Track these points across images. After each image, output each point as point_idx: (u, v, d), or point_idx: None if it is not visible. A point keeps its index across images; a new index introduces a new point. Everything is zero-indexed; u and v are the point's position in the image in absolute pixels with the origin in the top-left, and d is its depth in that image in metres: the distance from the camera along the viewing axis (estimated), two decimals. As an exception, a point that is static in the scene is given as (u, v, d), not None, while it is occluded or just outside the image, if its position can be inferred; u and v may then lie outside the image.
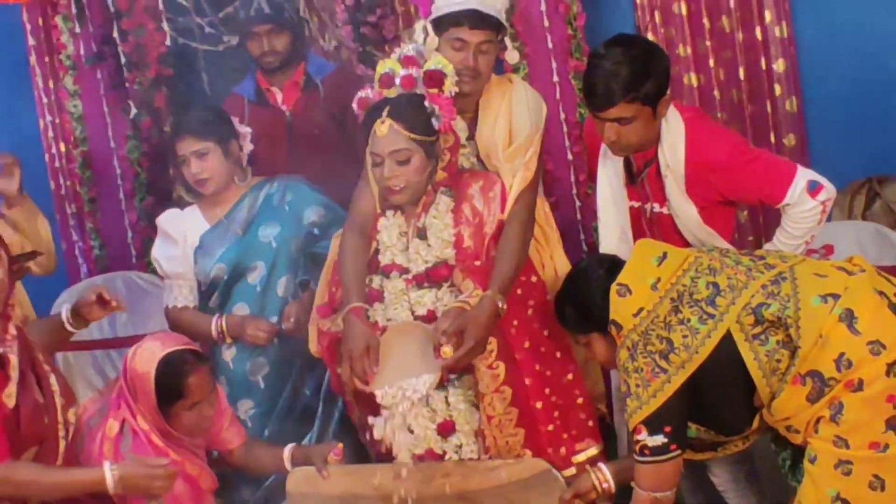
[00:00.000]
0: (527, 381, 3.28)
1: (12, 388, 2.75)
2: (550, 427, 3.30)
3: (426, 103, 3.16)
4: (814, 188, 3.18)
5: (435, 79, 3.17)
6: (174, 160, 3.70)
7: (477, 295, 3.16)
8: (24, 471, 2.75)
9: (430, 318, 3.22)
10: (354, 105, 3.37)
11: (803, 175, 3.20)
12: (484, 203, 3.30)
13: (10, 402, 2.74)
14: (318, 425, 3.67)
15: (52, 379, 2.98)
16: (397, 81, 3.21)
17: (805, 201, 3.18)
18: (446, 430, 3.23)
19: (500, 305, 3.12)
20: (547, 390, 3.32)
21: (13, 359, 2.78)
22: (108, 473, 2.71)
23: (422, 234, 3.27)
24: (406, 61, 3.21)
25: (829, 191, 3.22)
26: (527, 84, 3.55)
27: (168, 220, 3.80)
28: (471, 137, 3.41)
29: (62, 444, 2.94)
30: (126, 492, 2.83)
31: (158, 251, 3.81)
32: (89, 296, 3.19)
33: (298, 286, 3.72)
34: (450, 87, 3.19)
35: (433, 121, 3.15)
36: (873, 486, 2.67)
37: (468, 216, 3.29)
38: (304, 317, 3.60)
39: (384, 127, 3.13)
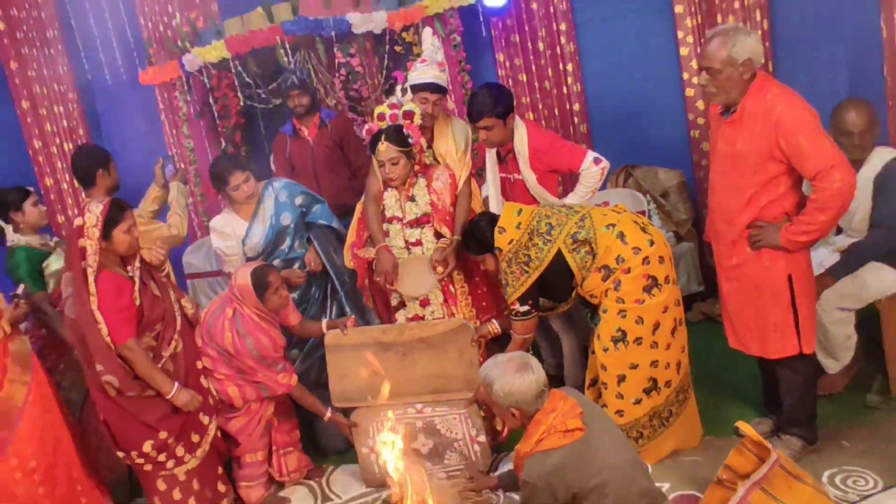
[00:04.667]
0: (475, 279, 3.29)
1: (136, 292, 2.76)
2: (485, 303, 3.32)
3: (405, 130, 3.12)
4: (597, 161, 3.21)
5: (409, 116, 3.13)
6: (224, 186, 3.41)
7: (450, 238, 3.18)
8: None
9: (417, 244, 3.21)
10: (364, 133, 3.30)
11: (591, 154, 3.23)
12: (443, 183, 3.24)
13: (137, 301, 2.76)
14: (326, 316, 3.56)
15: (168, 284, 3.01)
16: (387, 118, 3.14)
17: (591, 167, 3.20)
18: (425, 304, 3.23)
19: (460, 242, 3.17)
20: (484, 286, 3.32)
21: (136, 277, 2.80)
22: None
23: (411, 199, 3.21)
24: (392, 106, 3.15)
25: (605, 163, 3.24)
26: (458, 118, 3.51)
27: (219, 223, 3.52)
28: (429, 147, 3.34)
29: (178, 319, 2.95)
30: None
31: (217, 242, 3.52)
32: None
33: (306, 242, 3.53)
34: (417, 120, 3.15)
35: (409, 140, 3.12)
36: (637, 322, 2.80)
37: (434, 189, 3.23)
38: (315, 260, 3.50)
39: (383, 146, 3.09)
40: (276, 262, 3.46)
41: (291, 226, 3.48)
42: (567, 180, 4.28)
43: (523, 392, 2.22)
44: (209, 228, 3.58)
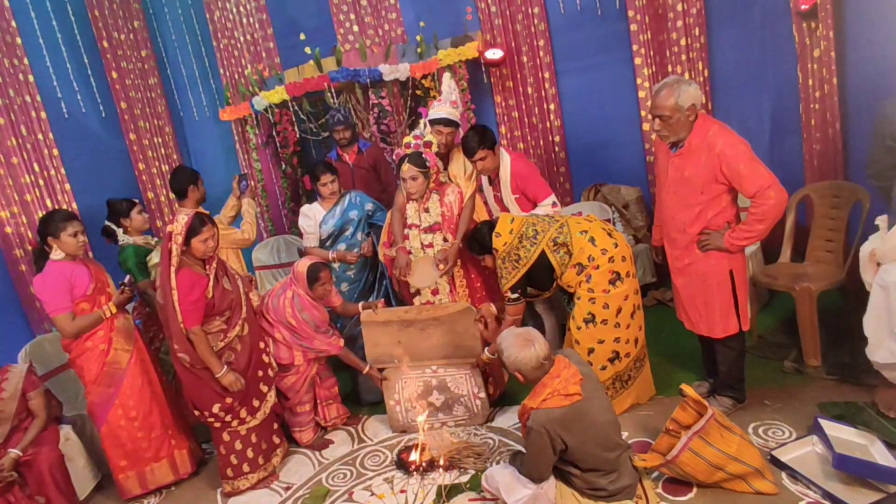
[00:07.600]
0: (472, 275, 3.23)
1: (209, 288, 2.68)
2: (479, 294, 3.25)
3: (423, 155, 3.07)
4: (554, 205, 3.16)
5: (428, 145, 3.09)
6: (316, 181, 3.44)
7: (452, 242, 3.12)
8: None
9: (430, 246, 3.14)
10: (394, 156, 3.19)
11: (553, 197, 3.17)
12: (454, 198, 3.16)
13: (210, 295, 2.68)
14: (373, 295, 3.57)
15: (238, 280, 2.91)
16: (412, 145, 3.10)
17: (548, 206, 3.14)
18: (435, 293, 3.16)
19: (460, 245, 3.11)
20: (479, 281, 3.25)
21: (210, 275, 2.71)
22: None
23: (426, 210, 3.13)
24: (415, 137, 3.11)
25: (559, 206, 3.18)
26: None
27: (306, 208, 3.53)
28: (445, 168, 3.26)
29: (244, 308, 2.85)
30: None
31: (302, 222, 3.51)
32: None
33: (365, 235, 3.53)
34: (434, 148, 3.10)
35: (426, 163, 3.05)
36: (604, 307, 2.74)
37: (446, 203, 3.15)
38: (369, 248, 3.49)
39: (406, 166, 3.04)
40: (341, 245, 3.49)
41: (356, 220, 3.50)
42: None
43: (524, 363, 2.17)
44: (300, 213, 3.59)
